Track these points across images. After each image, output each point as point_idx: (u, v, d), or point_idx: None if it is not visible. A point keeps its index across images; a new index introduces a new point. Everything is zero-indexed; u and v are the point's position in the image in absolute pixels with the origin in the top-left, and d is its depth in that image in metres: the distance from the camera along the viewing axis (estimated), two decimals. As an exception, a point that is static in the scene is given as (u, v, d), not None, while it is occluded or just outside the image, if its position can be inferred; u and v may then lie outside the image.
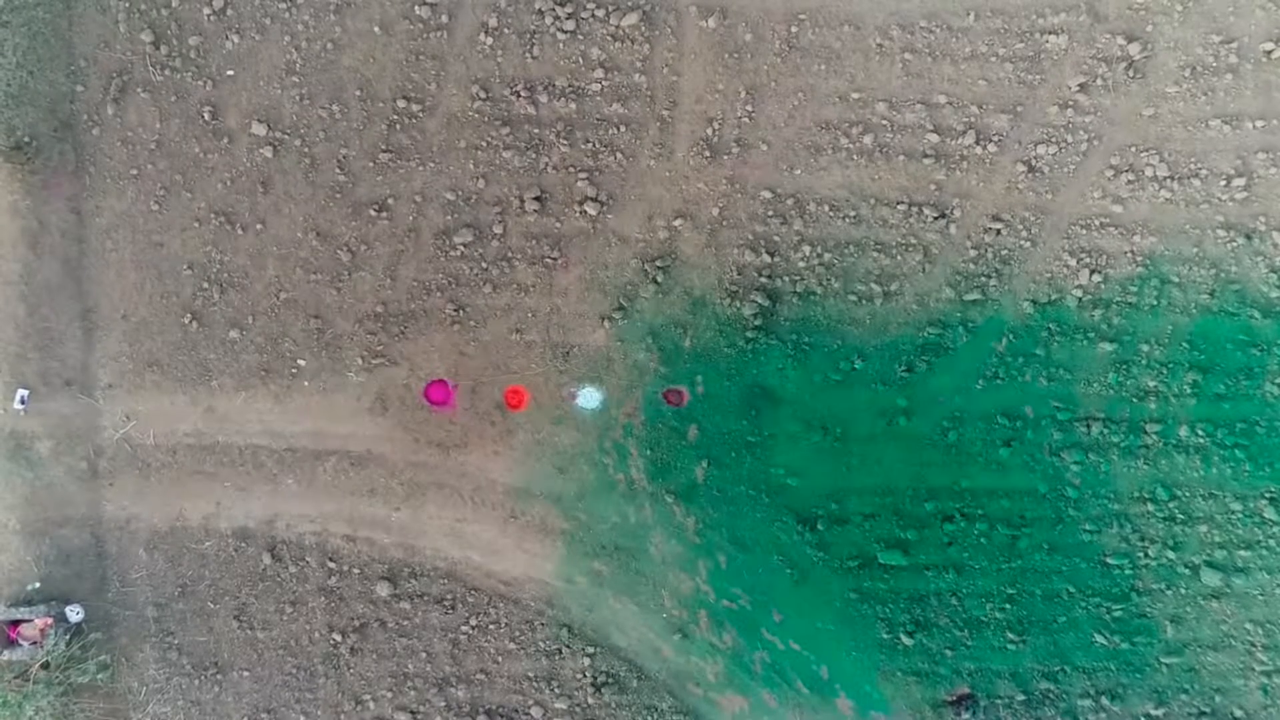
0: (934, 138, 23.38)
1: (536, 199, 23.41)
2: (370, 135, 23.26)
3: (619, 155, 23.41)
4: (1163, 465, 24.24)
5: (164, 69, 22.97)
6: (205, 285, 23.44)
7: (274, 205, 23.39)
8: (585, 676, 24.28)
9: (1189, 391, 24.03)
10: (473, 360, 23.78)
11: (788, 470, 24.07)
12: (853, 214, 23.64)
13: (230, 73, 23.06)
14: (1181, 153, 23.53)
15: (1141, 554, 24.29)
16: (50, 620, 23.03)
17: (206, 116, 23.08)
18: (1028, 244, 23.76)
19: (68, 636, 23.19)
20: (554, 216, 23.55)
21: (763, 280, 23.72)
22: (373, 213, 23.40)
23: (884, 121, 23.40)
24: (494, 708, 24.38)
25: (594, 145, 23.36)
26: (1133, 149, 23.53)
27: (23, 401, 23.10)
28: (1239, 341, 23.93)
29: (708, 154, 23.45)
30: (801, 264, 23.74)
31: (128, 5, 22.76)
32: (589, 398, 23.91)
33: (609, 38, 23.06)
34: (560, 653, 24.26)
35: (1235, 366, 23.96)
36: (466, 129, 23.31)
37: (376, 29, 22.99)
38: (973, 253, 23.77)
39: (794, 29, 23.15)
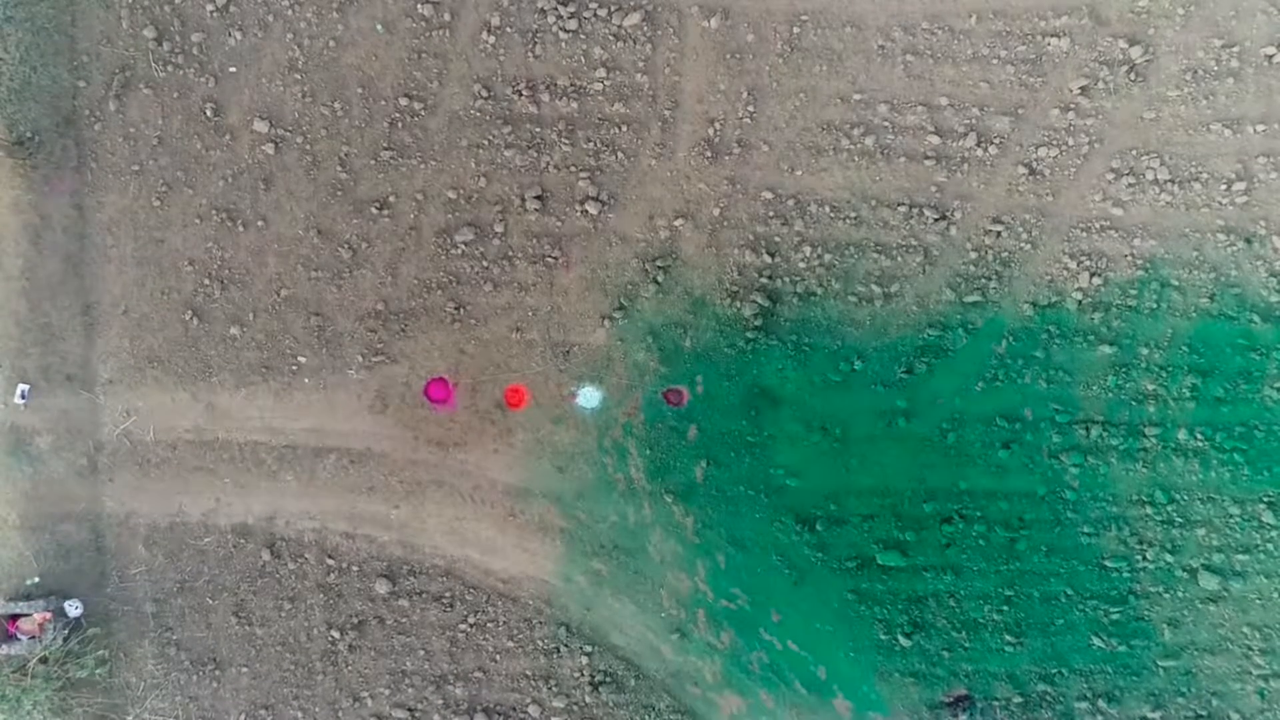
0: (935, 139, 23.41)
1: (538, 198, 23.44)
2: (372, 133, 23.28)
3: (620, 155, 23.44)
4: (1161, 468, 24.26)
5: (166, 65, 23.00)
6: (206, 282, 23.47)
7: (275, 202, 23.41)
8: (583, 675, 24.30)
9: (1188, 395, 24.04)
10: (473, 359, 23.81)
11: (787, 471, 24.09)
12: (853, 215, 23.67)
13: (233, 69, 23.08)
14: (1182, 156, 23.55)
15: (1140, 557, 24.31)
16: (49, 615, 23.06)
17: (208, 113, 23.11)
18: (1028, 246, 23.79)
19: (66, 631, 23.24)
20: (555, 216, 23.58)
21: (763, 281, 23.75)
22: (374, 210, 23.43)
23: (885, 123, 23.43)
24: (492, 706, 24.40)
25: (595, 145, 23.39)
26: (1134, 152, 23.56)
27: (23, 396, 23.13)
28: (1238, 345, 23.95)
29: (709, 154, 23.48)
30: (802, 265, 23.77)
31: (131, 1, 22.78)
32: (589, 397, 23.93)
33: (611, 37, 23.09)
34: (558, 651, 24.29)
35: (1234, 370, 23.98)
36: (468, 127, 23.34)
37: (379, 27, 23.02)
38: (973, 255, 23.79)
39: (796, 30, 23.17)
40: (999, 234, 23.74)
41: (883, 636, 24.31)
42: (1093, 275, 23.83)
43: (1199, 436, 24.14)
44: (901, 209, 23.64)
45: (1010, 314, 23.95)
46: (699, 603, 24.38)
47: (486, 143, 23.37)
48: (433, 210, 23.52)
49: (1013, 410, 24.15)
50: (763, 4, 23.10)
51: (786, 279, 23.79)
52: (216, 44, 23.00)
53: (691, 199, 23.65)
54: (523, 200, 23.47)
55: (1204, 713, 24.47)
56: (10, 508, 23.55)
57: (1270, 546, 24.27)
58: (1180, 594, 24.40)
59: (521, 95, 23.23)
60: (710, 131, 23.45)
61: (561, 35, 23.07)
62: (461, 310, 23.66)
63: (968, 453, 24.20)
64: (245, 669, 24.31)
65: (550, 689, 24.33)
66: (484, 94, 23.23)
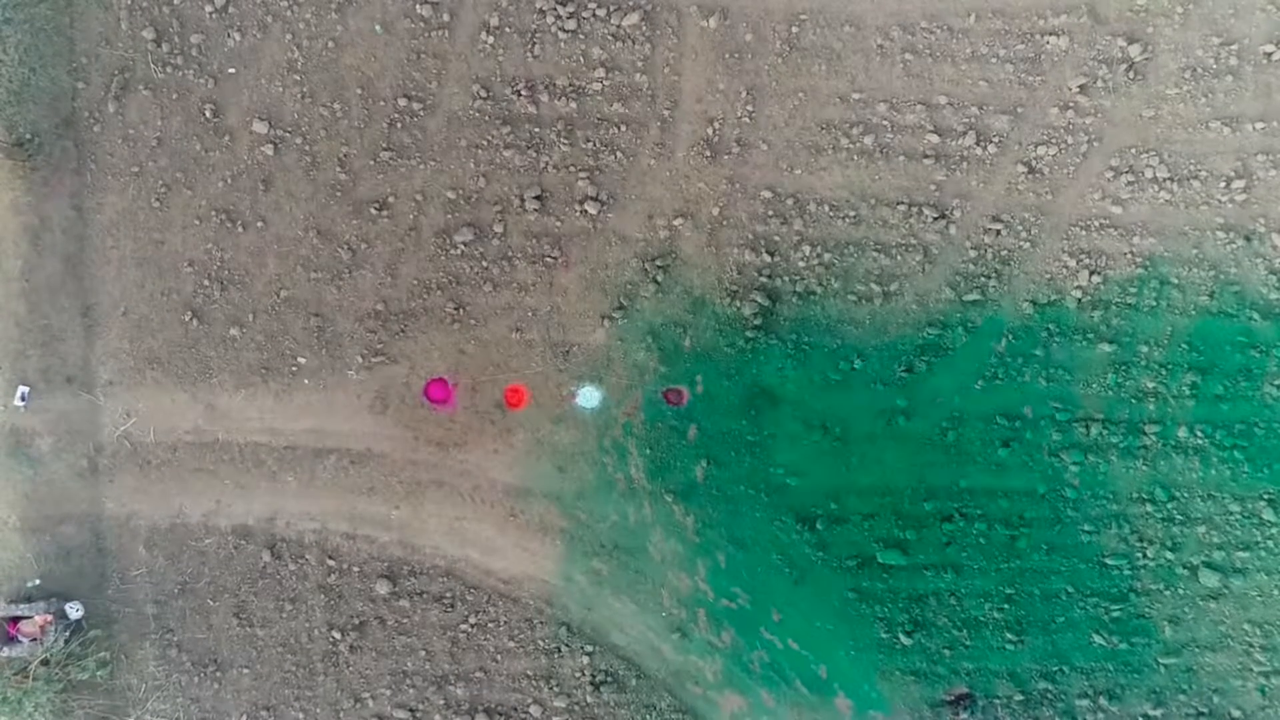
0: (934, 138, 23.42)
1: (537, 198, 23.44)
2: (371, 134, 23.28)
3: (620, 155, 23.44)
4: (1161, 466, 24.27)
5: (165, 66, 23.00)
6: (206, 283, 23.47)
7: (275, 203, 23.42)
8: (584, 675, 24.30)
9: (1188, 393, 24.06)
10: (473, 359, 23.81)
11: (787, 470, 24.10)
12: (853, 214, 23.67)
13: (232, 70, 23.08)
14: (1181, 154, 23.57)
15: (1140, 554, 24.32)
16: (50, 617, 23.05)
17: (208, 114, 23.11)
18: (1027, 245, 23.80)
19: (67, 633, 23.22)
20: (554, 216, 23.58)
21: (763, 280, 23.76)
22: (373, 211, 23.43)
23: (884, 122, 23.44)
24: (493, 706, 24.40)
25: (595, 144, 23.40)
26: (1133, 150, 23.57)
27: (23, 398, 23.13)
28: (1238, 343, 23.96)
29: (708, 154, 23.48)
30: (801, 264, 23.77)
31: (130, 2, 22.78)
32: (589, 397, 23.93)
33: (610, 37, 23.09)
34: (559, 651, 24.28)
35: (1234, 368, 23.99)
36: (467, 128, 23.35)
37: (378, 27, 23.02)
38: (972, 253, 23.80)
39: (795, 29, 23.18)
40: (998, 232, 23.75)
41: (884, 635, 24.32)
42: (1092, 273, 23.84)
43: (1199, 434, 24.15)
44: (901, 208, 23.65)
45: (1010, 312, 23.96)
46: (699, 602, 24.38)
47: (486, 143, 23.38)
48: (432, 211, 23.52)
49: (1013, 408, 24.15)
50: (761, 3, 23.11)
51: (786, 278, 23.79)
52: (215, 45, 23.00)
53: (691, 198, 23.66)
54: (522, 200, 23.47)
55: (1205, 710, 24.48)
56: (11, 510, 23.55)
57: (1271, 543, 24.28)
58: (1181, 591, 24.41)
59: (520, 95, 23.23)
60: (709, 131, 23.45)
61: (560, 35, 23.08)
62: (461, 310, 23.66)
63: (968, 451, 24.20)
64: (246, 670, 24.31)
65: (551, 689, 24.34)
66: (483, 94, 23.23)
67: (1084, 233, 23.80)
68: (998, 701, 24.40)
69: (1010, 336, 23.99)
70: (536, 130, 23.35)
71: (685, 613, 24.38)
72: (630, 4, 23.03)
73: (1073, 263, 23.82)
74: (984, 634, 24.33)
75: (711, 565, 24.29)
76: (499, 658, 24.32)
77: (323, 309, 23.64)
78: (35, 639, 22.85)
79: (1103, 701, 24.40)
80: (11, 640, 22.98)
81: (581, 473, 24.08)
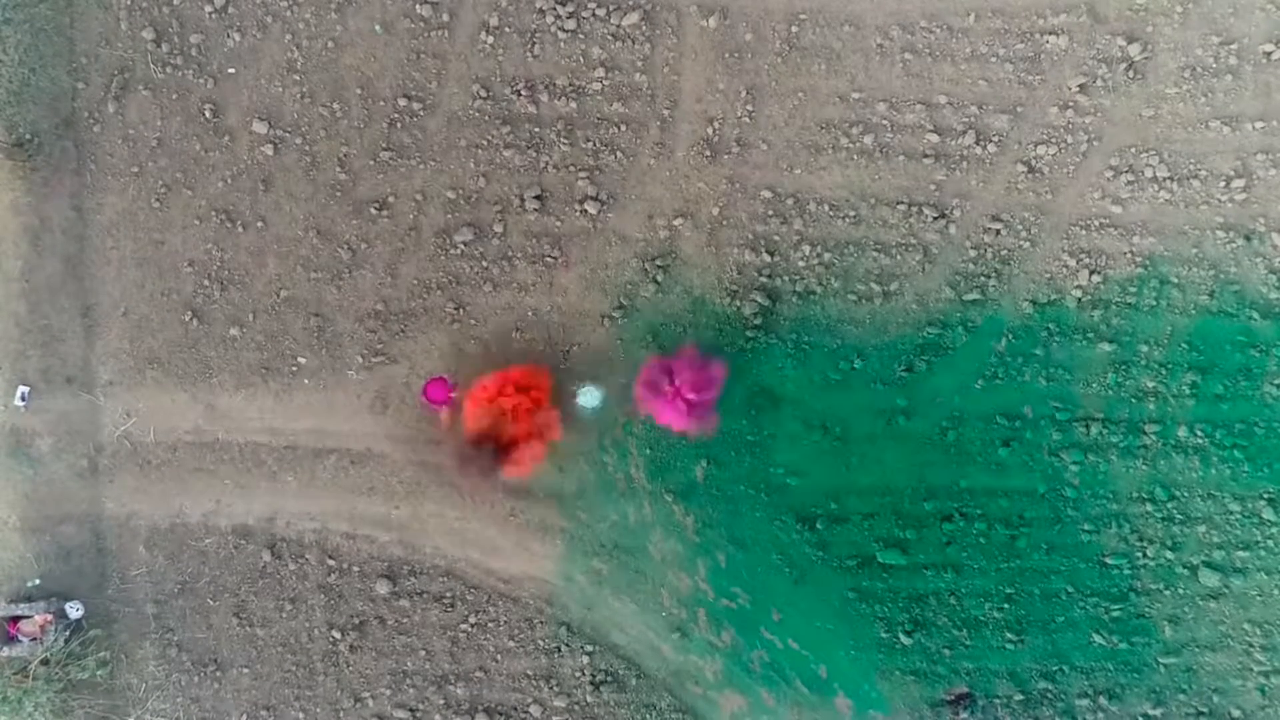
0: (934, 138, 23.41)
1: (537, 198, 23.44)
2: (371, 134, 23.28)
3: (619, 154, 23.44)
4: (1161, 466, 24.26)
5: (165, 67, 23.00)
6: (206, 283, 23.47)
7: (275, 203, 23.42)
8: (584, 674, 24.29)
9: (1188, 392, 24.05)
10: (473, 359, 23.79)
11: (787, 469, 24.09)
12: (853, 214, 23.67)
13: (231, 70, 23.09)
14: (1181, 154, 23.56)
15: (1140, 554, 24.31)
16: (50, 617, 23.06)
17: (208, 114, 23.11)
18: (1027, 244, 23.79)
19: (67, 633, 23.23)
20: (554, 215, 23.58)
21: (763, 280, 23.75)
22: (373, 211, 23.43)
23: (884, 121, 23.43)
24: (493, 705, 24.40)
25: (594, 144, 23.40)
26: (1132, 150, 23.57)
27: (23, 398, 23.13)
28: (1238, 342, 23.96)
29: (708, 153, 23.48)
30: (801, 263, 23.77)
31: (129, 3, 22.80)
32: (589, 396, 23.91)
33: (610, 37, 23.09)
34: (559, 651, 24.28)
35: (1234, 367, 23.98)
36: (467, 128, 23.35)
37: (378, 27, 23.02)
38: (972, 253, 23.80)
39: (794, 29, 23.18)
40: (998, 232, 23.75)
41: (884, 635, 24.31)
42: (1092, 273, 23.83)
43: (1199, 433, 24.15)
44: (901, 207, 23.64)
45: (1010, 312, 23.96)
46: (700, 602, 24.37)
47: (485, 143, 23.38)
48: (432, 210, 23.52)
49: (1013, 408, 24.15)
50: (761, 3, 23.11)
51: (786, 278, 23.79)
52: (215, 45, 23.00)
53: (691, 198, 23.66)
54: (522, 200, 23.48)
55: (1205, 709, 24.46)
56: (11, 510, 23.55)
57: (1270, 543, 24.27)
58: (1181, 591, 24.40)
59: (520, 95, 23.24)
60: (709, 131, 23.45)
61: (560, 35, 23.08)
62: (461, 310, 23.66)
63: (968, 451, 24.19)
64: (246, 670, 24.30)
65: (551, 688, 24.33)
66: (483, 94, 23.23)
67: (1084, 232, 23.79)
68: (998, 701, 24.39)
69: (1010, 336, 23.98)
70: (536, 130, 23.35)
71: (685, 612, 24.37)
72: (630, 4, 23.04)
73: (1073, 262, 23.82)
74: (984, 634, 24.32)
75: (711, 565, 24.29)
76: (499, 657, 24.32)
77: (323, 309, 23.64)
78: (35, 639, 22.85)
79: (1103, 701, 24.39)
80: (11, 640, 22.99)
81: (582, 472, 24.07)
